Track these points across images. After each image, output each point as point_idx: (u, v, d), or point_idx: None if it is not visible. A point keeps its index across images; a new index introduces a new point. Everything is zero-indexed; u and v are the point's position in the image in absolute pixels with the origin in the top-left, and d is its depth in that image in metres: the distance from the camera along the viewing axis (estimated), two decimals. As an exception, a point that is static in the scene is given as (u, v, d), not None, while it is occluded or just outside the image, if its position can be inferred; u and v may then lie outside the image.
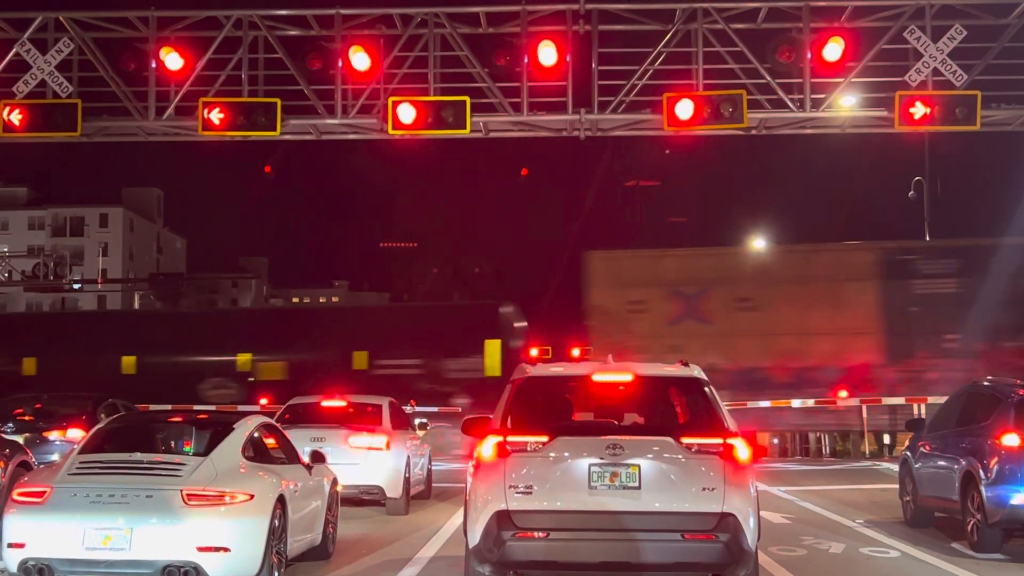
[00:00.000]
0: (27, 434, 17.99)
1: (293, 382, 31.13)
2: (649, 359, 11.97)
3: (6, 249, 78.06)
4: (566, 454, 9.83)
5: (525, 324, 37.83)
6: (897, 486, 17.12)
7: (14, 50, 22.80)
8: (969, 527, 13.82)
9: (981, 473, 13.52)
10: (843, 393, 30.90)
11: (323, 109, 23.03)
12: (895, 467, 18.95)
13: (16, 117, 22.57)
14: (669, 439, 9.90)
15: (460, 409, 29.84)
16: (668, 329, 31.44)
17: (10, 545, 10.17)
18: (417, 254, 79.90)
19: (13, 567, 10.18)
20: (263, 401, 30.88)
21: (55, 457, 15.85)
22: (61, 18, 22.79)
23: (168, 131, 24.02)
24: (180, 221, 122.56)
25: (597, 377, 10.56)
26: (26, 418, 19.39)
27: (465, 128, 22.47)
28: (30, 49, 22.70)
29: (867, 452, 30.36)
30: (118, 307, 73.20)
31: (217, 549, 10.06)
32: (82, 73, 22.99)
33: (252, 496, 10.45)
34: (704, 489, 9.70)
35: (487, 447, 9.98)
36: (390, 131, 22.66)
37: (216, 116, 22.49)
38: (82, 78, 23.01)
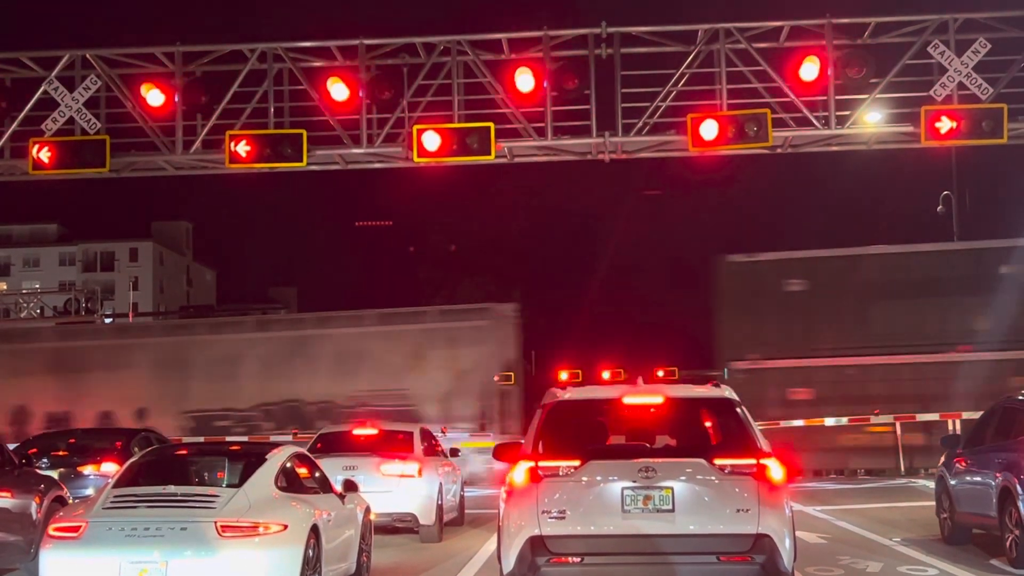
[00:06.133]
0: (61, 469, 18.05)
1: None
2: None
3: (38, 285, 78.75)
4: (598, 478, 9.80)
5: None
6: (933, 503, 16.97)
7: (42, 88, 23.03)
8: (1008, 543, 13.66)
9: (1019, 488, 13.37)
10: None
11: (348, 139, 23.14)
12: (931, 484, 18.79)
13: (45, 155, 22.78)
14: (702, 461, 9.85)
15: (491, 435, 29.79)
16: None
17: (47, 580, 10.21)
18: (447, 278, 79.89)
19: (51, 602, 10.21)
20: (295, 431, 30.97)
21: (89, 492, 15.90)
22: (88, 55, 23.02)
23: (196, 165, 24.17)
24: (209, 253, 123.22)
25: (628, 400, 10.53)
26: (60, 453, 19.46)
27: (490, 154, 22.53)
28: (58, 87, 22.93)
29: (902, 470, 30.12)
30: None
31: (252, 580, 10.07)
32: (109, 109, 23.20)
33: (286, 526, 10.46)
34: (739, 510, 9.65)
35: (519, 472, 9.96)
36: (415, 159, 22.75)
37: (243, 148, 22.63)
38: (109, 114, 23.21)
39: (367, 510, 13.59)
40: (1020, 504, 13.25)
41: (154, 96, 22.86)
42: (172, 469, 11.84)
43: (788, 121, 22.57)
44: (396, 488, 17.34)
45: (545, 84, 22.45)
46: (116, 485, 11.08)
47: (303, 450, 13.23)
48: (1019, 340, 29.31)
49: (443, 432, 26.41)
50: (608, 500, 9.72)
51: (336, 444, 18.61)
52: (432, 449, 19.23)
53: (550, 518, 9.72)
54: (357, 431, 19.01)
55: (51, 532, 10.44)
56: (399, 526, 17.71)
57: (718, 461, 9.83)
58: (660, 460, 9.92)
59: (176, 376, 32.52)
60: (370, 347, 31.95)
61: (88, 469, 18.69)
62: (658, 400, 10.55)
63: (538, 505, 9.75)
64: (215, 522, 10.12)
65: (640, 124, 22.79)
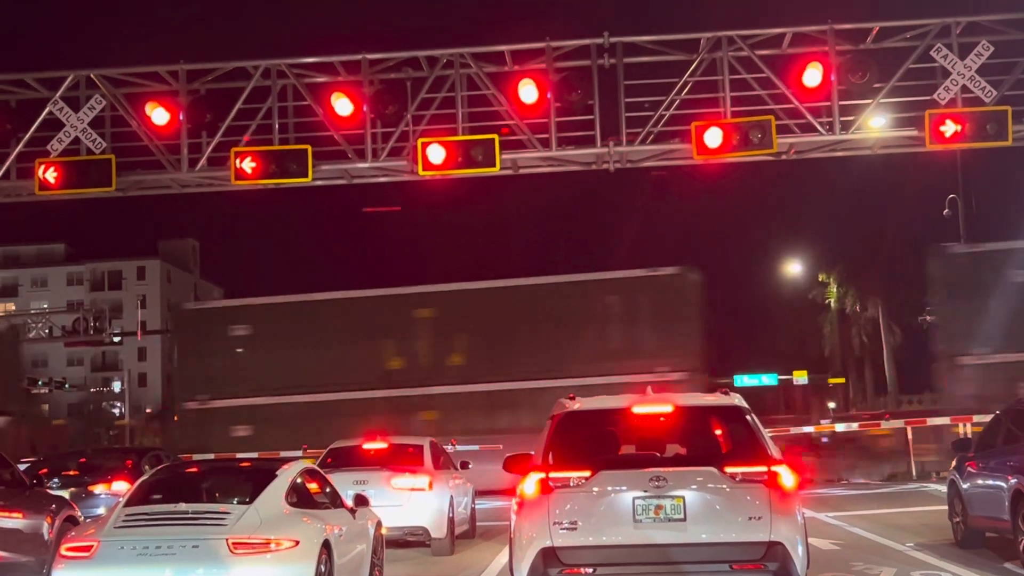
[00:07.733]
0: (73, 489, 18.09)
1: None
2: None
3: (46, 305, 78.93)
4: (609, 488, 9.78)
5: None
6: (946, 507, 16.92)
7: (47, 109, 23.11)
8: (1021, 546, 13.62)
9: (1031, 491, 13.34)
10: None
11: (353, 153, 23.18)
12: (943, 488, 18.74)
13: (51, 175, 22.84)
14: (713, 469, 9.83)
15: (501, 447, 29.73)
16: None
17: (60, 600, 10.20)
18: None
19: (63, 622, 10.21)
20: (305, 446, 30.90)
21: (101, 511, 15.91)
22: (92, 75, 23.08)
23: (201, 182, 24.22)
24: (216, 270, 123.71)
25: (637, 409, 10.50)
26: (71, 473, 19.50)
27: (495, 166, 22.56)
28: (63, 107, 23.00)
29: (914, 474, 30.06)
30: (158, 358, 73.31)
31: (264, 597, 10.06)
32: (115, 129, 23.28)
33: (297, 542, 10.45)
34: (750, 518, 9.62)
35: (530, 484, 9.95)
36: (420, 172, 22.79)
37: (248, 165, 22.68)
38: (115, 133, 23.30)
39: (378, 524, 13.58)
40: (1033, 507, 13.21)
41: (159, 115, 22.94)
42: (183, 487, 11.83)
43: (792, 127, 22.57)
44: (407, 502, 17.32)
45: (549, 95, 22.49)
46: (128, 504, 11.08)
47: (313, 465, 13.24)
48: None
49: (453, 444, 26.39)
50: (619, 510, 9.70)
51: (346, 459, 18.59)
52: (442, 462, 19.21)
53: (562, 529, 9.70)
54: (367, 445, 19.01)
55: (63, 552, 10.44)
56: (411, 540, 17.69)
57: (729, 469, 9.80)
58: (671, 469, 9.90)
59: None
60: None
61: (99, 488, 18.71)
62: (668, 409, 10.52)
63: (549, 516, 9.73)
64: (227, 539, 10.12)
65: (644, 133, 22.82)
